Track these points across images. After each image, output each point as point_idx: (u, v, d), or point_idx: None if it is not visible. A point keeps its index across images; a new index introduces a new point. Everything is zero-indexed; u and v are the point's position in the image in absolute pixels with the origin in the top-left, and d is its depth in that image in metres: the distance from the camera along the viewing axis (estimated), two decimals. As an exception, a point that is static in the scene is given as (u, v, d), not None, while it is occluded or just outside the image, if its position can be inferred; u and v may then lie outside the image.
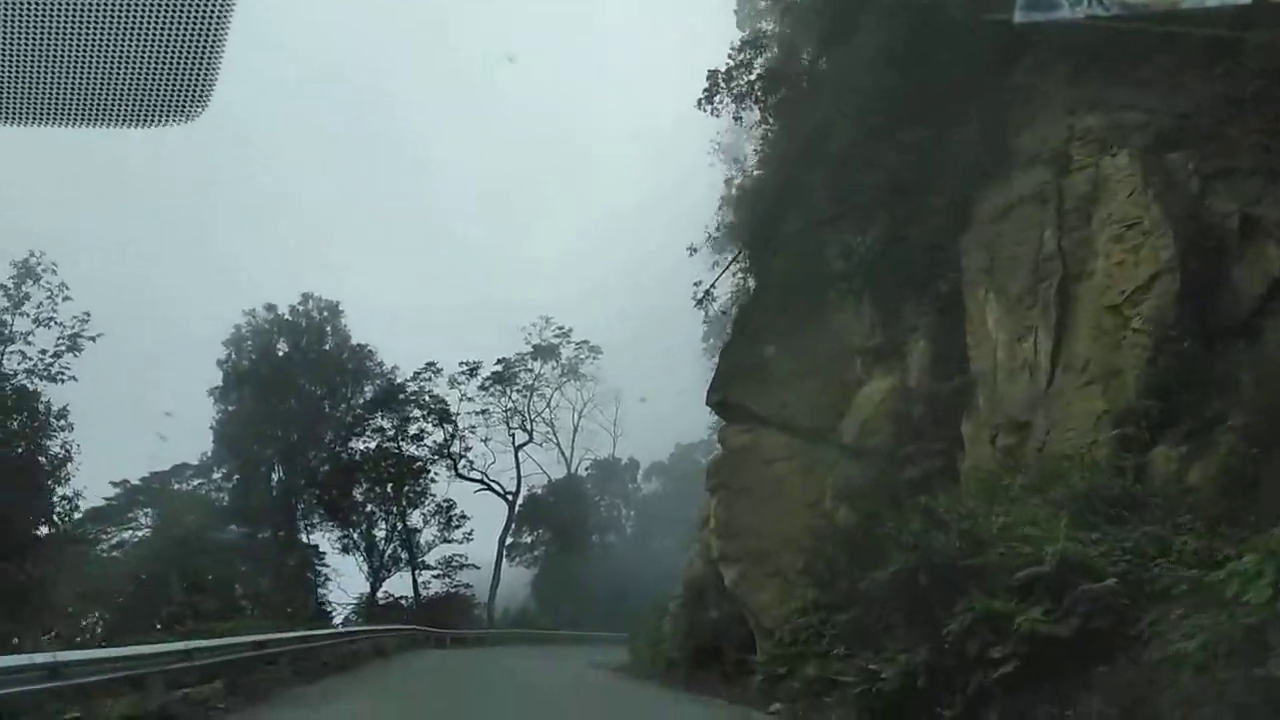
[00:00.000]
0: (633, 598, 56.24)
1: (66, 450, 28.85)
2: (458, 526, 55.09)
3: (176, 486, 39.93)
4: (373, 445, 48.14)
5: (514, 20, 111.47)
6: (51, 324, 29.79)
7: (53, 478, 28.77)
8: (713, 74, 26.25)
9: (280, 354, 42.07)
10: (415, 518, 54.56)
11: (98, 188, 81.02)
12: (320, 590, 55.99)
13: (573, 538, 60.78)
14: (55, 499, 29.04)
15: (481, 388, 54.04)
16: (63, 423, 28.80)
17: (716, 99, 26.44)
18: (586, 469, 64.04)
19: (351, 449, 46.34)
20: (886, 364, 16.98)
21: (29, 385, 29.15)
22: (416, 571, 51.63)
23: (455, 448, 53.93)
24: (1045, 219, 13.67)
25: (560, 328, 55.19)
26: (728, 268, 29.16)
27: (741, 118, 28.20)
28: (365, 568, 53.32)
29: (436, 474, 54.20)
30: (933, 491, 12.78)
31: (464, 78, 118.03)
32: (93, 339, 30.32)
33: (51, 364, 29.71)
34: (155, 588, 31.40)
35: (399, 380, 48.47)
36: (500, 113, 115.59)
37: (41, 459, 28.44)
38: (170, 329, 75.62)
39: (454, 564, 55.11)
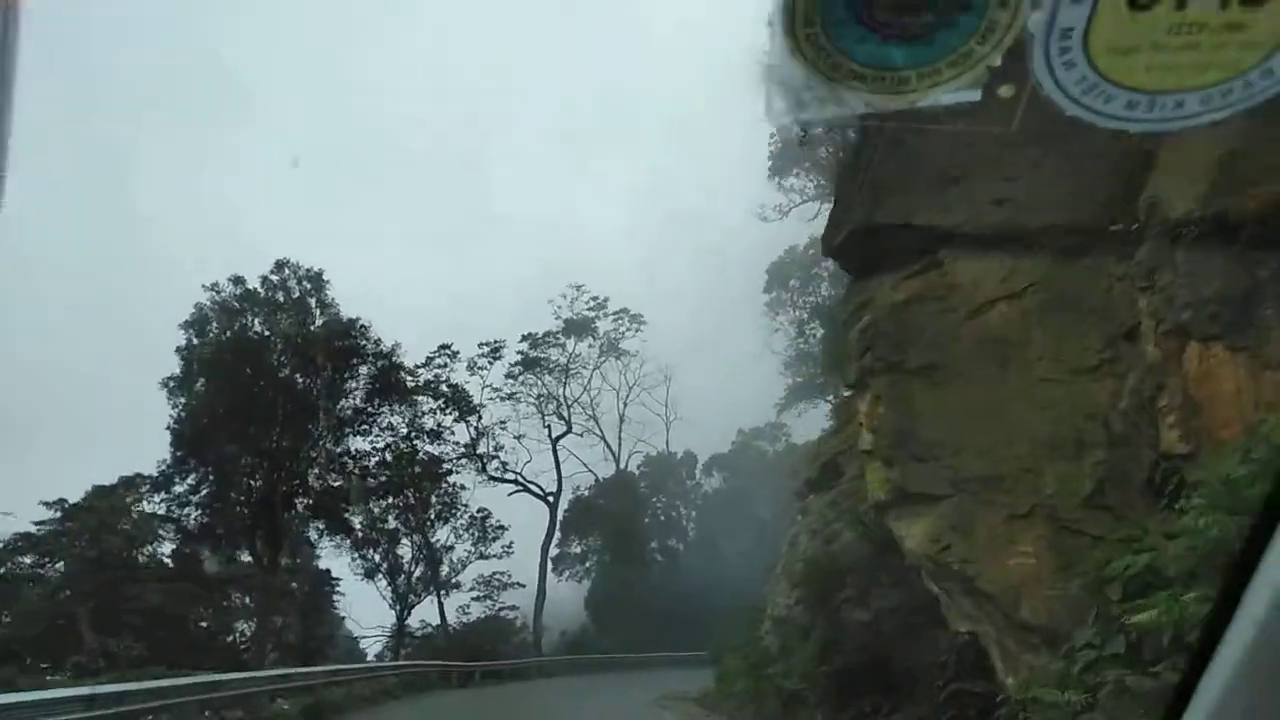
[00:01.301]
0: (706, 612, 47.82)
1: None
2: (494, 539, 46.89)
3: (133, 505, 32.19)
4: (381, 445, 40.03)
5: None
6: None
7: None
8: None
9: (253, 335, 34.24)
10: (444, 532, 46.80)
11: None
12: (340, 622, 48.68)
13: (628, 545, 52.11)
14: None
15: (509, 375, 45.93)
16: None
17: None
18: (639, 466, 55.43)
19: (354, 450, 38.32)
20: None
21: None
22: (443, 595, 43.37)
23: (483, 446, 45.73)
24: None
25: (595, 298, 46.91)
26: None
27: None
28: (390, 594, 45.45)
29: (464, 481, 46.11)
30: None
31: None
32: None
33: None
34: (67, 630, 23.57)
35: (406, 366, 40.44)
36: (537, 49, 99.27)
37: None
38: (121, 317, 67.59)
39: (494, 583, 46.85)
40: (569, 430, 46.96)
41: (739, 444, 58.80)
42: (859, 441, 11.32)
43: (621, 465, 52.51)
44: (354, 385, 36.17)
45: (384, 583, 45.56)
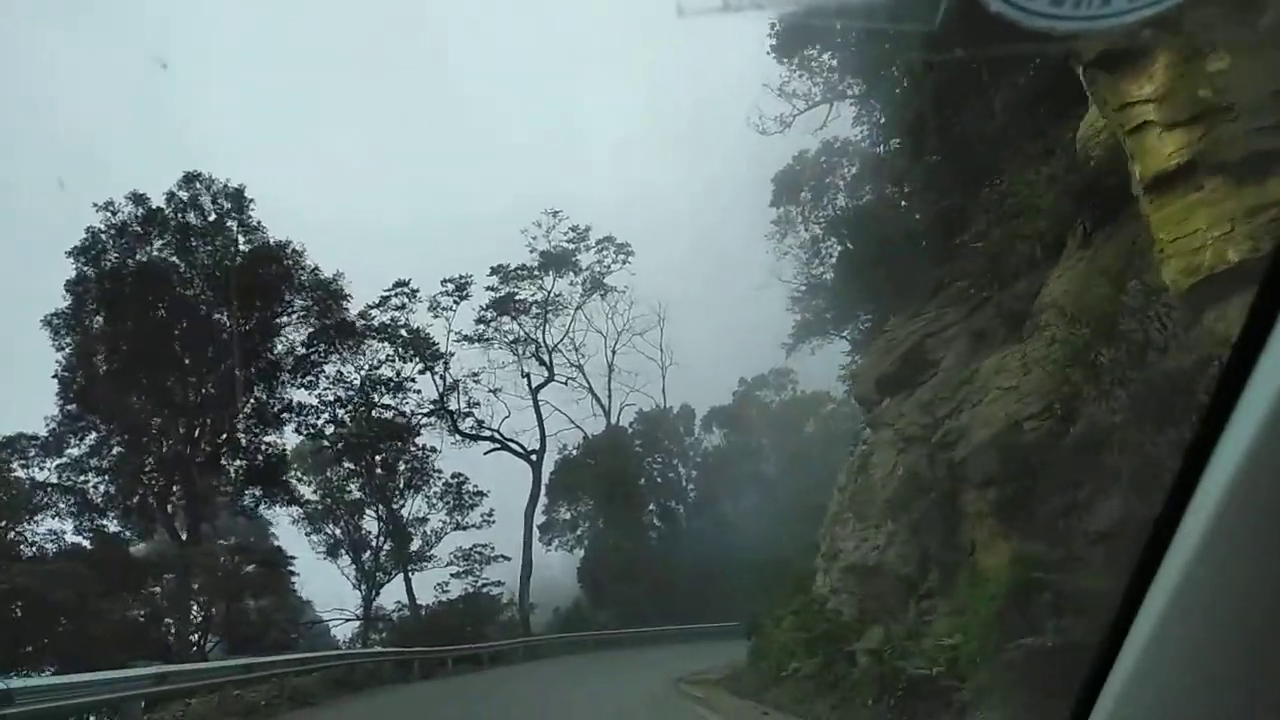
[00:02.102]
0: (712, 581, 42.58)
1: None
2: (472, 506, 41.25)
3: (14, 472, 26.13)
4: (330, 399, 34.13)
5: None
6: None
7: None
8: None
9: (160, 263, 28.12)
10: (416, 502, 41.12)
11: None
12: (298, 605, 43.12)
13: (623, 509, 46.59)
14: None
15: (480, 321, 39.91)
16: None
17: None
18: (631, 423, 49.72)
19: (296, 404, 32.39)
20: None
21: None
22: (413, 571, 37.78)
23: (454, 402, 39.85)
24: None
25: (575, 227, 40.86)
26: None
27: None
28: (354, 572, 39.80)
29: (433, 442, 40.34)
30: None
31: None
32: None
33: None
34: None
35: (349, 297, 34.42)
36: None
37: None
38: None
39: (475, 556, 41.20)
40: (551, 377, 41.16)
41: (741, 395, 53.21)
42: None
43: (612, 420, 46.73)
44: (286, 321, 30.12)
45: (348, 560, 40.14)
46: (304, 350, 32.24)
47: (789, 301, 42.42)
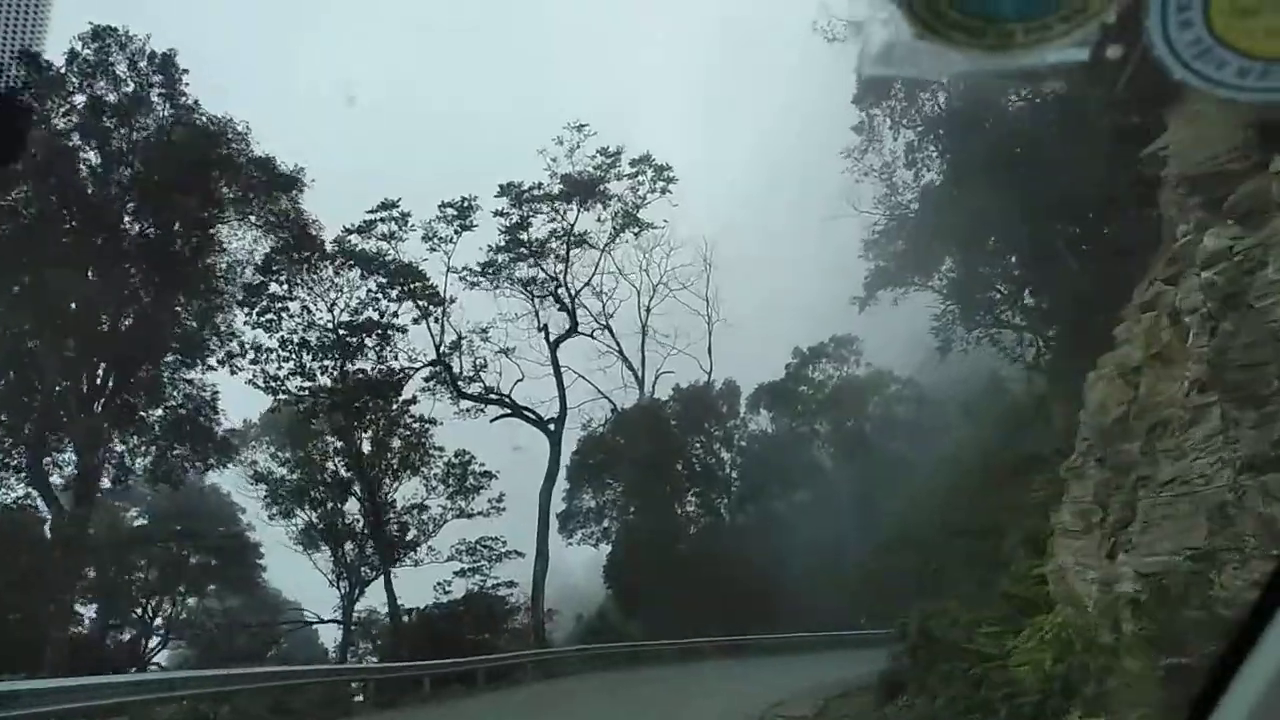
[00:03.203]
0: (767, 585, 35.15)
1: None
2: (478, 489, 34.05)
3: None
4: (296, 340, 27.09)
5: None
6: None
7: None
8: None
9: (56, 142, 21.16)
10: (412, 485, 34.13)
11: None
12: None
13: (659, 497, 39.10)
14: None
15: (485, 269, 32.31)
16: None
17: None
18: (670, 397, 42.06)
19: (250, 344, 25.29)
20: None
21: None
22: (400, 566, 30.69)
23: (456, 364, 32.59)
24: None
25: (604, 148, 33.39)
26: None
27: None
28: (331, 567, 32.72)
29: (431, 411, 33.33)
30: None
31: None
32: None
33: None
34: None
35: (326, 234, 27.17)
36: None
37: None
38: None
39: (480, 551, 33.90)
40: (574, 328, 33.47)
41: (795, 369, 45.47)
42: None
43: (646, 390, 39.18)
44: (226, 228, 22.96)
45: (327, 553, 33.04)
46: (259, 277, 25.11)
47: (861, 246, 34.85)
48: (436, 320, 30.96)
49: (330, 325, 28.18)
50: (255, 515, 33.41)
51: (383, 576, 29.22)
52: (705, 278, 38.23)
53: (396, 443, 34.46)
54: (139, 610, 30.02)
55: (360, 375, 29.77)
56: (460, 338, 32.16)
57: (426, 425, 33.86)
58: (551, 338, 32.25)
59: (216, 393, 23.16)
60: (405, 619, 28.73)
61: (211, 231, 22.49)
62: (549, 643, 31.03)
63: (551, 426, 31.76)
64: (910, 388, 45.23)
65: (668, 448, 39.63)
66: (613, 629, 34.31)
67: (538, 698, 19.05)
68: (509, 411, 31.84)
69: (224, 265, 23.51)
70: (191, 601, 32.82)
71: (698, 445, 43.05)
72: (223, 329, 23.68)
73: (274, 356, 26.91)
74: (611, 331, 36.11)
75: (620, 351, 36.53)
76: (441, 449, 33.91)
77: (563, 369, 33.96)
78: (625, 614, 37.30)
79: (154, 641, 30.28)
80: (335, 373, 29.18)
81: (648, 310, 37.88)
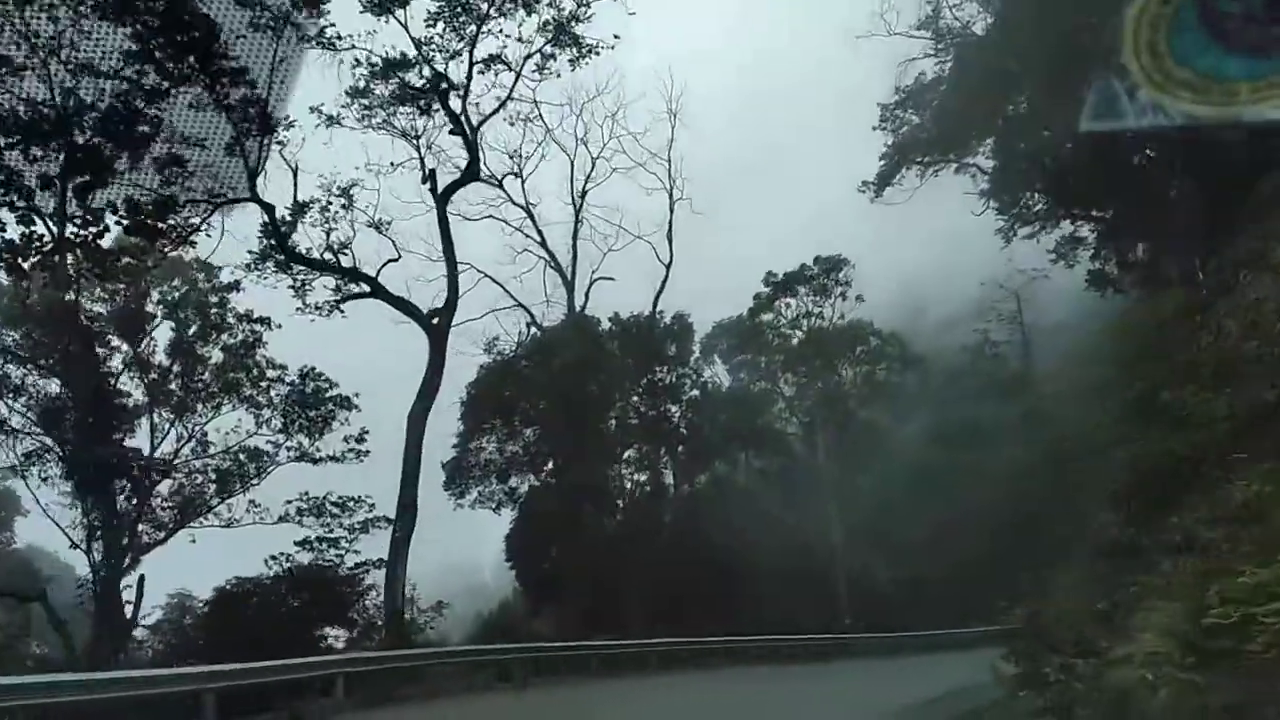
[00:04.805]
0: (740, 569, 25.81)
1: None
2: (327, 421, 23.92)
3: None
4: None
5: None
6: None
7: None
8: None
9: None
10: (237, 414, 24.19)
11: None
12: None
13: (588, 450, 28.90)
14: None
15: (352, 98, 21.63)
16: None
17: None
18: (608, 320, 31.95)
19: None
20: None
21: None
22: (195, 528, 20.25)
23: (303, 234, 21.93)
24: None
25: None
26: None
27: None
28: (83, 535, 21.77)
29: (261, 308, 23.31)
30: None
31: None
32: None
33: None
34: None
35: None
36: None
37: None
38: None
39: (331, 513, 23.57)
40: (473, 169, 22.28)
41: (765, 299, 36.16)
42: None
43: (576, 301, 29.20)
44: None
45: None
46: None
47: (878, 111, 26.27)
48: (263, 160, 20.17)
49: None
50: None
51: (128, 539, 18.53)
52: (670, 144, 28.61)
53: (220, 354, 24.18)
54: None
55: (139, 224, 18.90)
56: (304, 205, 21.27)
57: (256, 326, 23.53)
58: (436, 185, 21.38)
59: None
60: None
61: None
62: (416, 643, 20.57)
63: (435, 320, 21.02)
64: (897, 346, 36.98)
65: (603, 385, 29.62)
66: (513, 621, 24.46)
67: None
68: (368, 292, 21.03)
69: None
70: None
71: (639, 390, 33.06)
72: None
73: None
74: (530, 214, 25.84)
75: (542, 240, 26.32)
76: (274, 362, 23.70)
77: (462, 265, 23.53)
78: (533, 606, 27.40)
79: None
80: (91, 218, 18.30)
81: (583, 188, 27.74)
